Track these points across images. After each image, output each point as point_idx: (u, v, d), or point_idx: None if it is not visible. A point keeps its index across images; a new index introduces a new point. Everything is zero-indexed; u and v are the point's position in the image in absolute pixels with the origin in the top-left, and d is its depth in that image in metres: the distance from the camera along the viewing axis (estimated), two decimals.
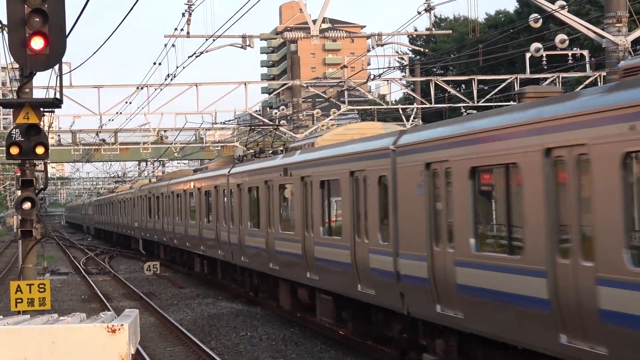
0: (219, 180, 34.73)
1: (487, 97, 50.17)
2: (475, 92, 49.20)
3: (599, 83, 45.81)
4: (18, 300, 19.42)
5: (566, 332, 12.50)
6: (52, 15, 17.24)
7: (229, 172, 33.03)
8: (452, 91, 50.80)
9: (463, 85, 73.71)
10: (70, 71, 40.17)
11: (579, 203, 12.25)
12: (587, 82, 47.51)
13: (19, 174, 20.25)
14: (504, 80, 49.62)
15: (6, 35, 17.79)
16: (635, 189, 11.17)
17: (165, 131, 68.70)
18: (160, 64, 35.02)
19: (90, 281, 44.16)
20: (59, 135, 68.32)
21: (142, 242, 60.64)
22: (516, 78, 48.79)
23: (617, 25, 21.30)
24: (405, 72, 67.24)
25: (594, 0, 57.36)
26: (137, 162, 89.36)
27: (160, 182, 52.12)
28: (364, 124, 27.31)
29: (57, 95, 19.24)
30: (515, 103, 16.60)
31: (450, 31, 56.31)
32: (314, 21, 32.60)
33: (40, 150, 18.86)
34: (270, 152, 32.33)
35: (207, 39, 32.31)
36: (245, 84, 47.21)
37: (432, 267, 16.46)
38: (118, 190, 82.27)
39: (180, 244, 44.10)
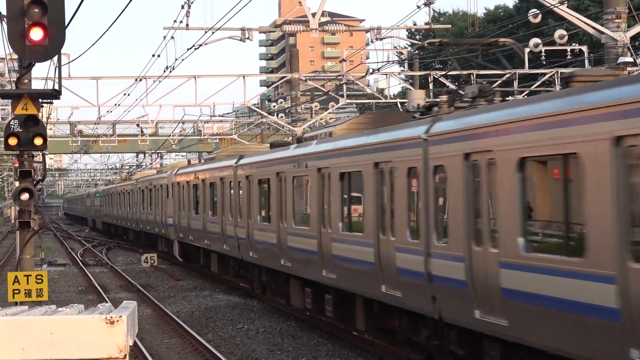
0: (391, 152, 18.29)
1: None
2: None
3: None
4: (15, 291, 19.45)
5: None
6: (51, 6, 17.25)
7: (427, 131, 16.69)
8: (451, 86, 50.77)
9: (462, 80, 73.66)
10: (69, 62, 40.16)
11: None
12: None
13: (17, 165, 20.25)
14: (502, 75, 49.62)
15: (5, 26, 17.80)
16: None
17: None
18: (159, 56, 35.01)
19: (88, 273, 44.16)
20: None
21: (178, 246, 44.97)
22: (515, 73, 48.79)
23: (616, 21, 21.32)
24: (404, 66, 67.28)
25: None
26: (135, 154, 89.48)
27: (217, 163, 35.50)
28: None
29: (56, 87, 19.25)
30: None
31: (450, 26, 56.46)
32: (313, 14, 32.60)
33: (38, 141, 18.87)
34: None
35: (206, 32, 32.30)
36: (244, 77, 47.22)
37: None
38: (138, 176, 65.89)
39: (264, 259, 28.17)
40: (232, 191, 32.20)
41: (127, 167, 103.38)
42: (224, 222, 33.29)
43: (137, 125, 68.24)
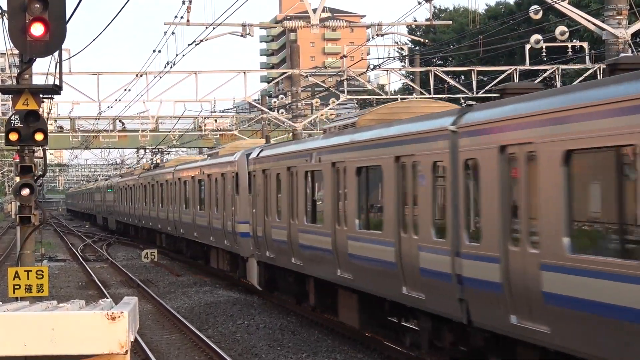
0: None
1: (487, 88, 50.17)
2: (474, 83, 49.20)
3: (599, 75, 45.82)
4: (16, 287, 19.46)
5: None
6: (52, 1, 17.24)
7: None
8: (452, 82, 50.78)
9: (462, 76, 73.74)
10: (69, 58, 40.10)
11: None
12: (586, 74, 47.54)
13: (17, 160, 20.25)
14: (503, 72, 49.60)
15: (6, 21, 17.80)
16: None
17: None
18: (159, 51, 34.94)
19: (88, 268, 44.17)
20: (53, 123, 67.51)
21: (259, 269, 29.30)
22: (515, 69, 48.78)
23: (617, 17, 21.30)
24: (404, 63, 67.28)
25: None
26: (136, 150, 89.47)
27: (381, 130, 19.54)
28: None
29: (57, 82, 19.25)
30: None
31: (450, 22, 56.54)
32: (314, 10, 32.57)
33: (39, 136, 18.86)
34: None
35: (207, 27, 32.30)
36: (244, 73, 47.19)
37: None
38: (174, 164, 50.24)
39: (582, 340, 12.39)
40: (447, 183, 16.13)
41: (137, 162, 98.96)
42: (406, 245, 17.75)
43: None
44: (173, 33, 33.43)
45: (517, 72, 48.65)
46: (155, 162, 65.71)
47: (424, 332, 17.95)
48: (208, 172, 36.99)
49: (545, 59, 46.65)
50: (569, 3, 23.30)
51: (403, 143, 17.89)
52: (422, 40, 56.78)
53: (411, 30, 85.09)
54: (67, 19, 17.49)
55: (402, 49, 76.30)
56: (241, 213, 31.07)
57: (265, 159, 28.00)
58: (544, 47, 42.96)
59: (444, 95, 52.93)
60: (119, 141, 74.21)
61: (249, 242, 29.62)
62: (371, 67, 43.56)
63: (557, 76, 48.20)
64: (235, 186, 31.76)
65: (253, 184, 29.02)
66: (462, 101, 47.22)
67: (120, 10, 22.27)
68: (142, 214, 57.65)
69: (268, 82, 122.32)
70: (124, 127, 70.00)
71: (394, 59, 57.27)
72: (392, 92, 60.99)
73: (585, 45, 48.67)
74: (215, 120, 68.99)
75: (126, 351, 7.86)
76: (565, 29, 36.50)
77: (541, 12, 33.61)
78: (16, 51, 20.42)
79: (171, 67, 37.47)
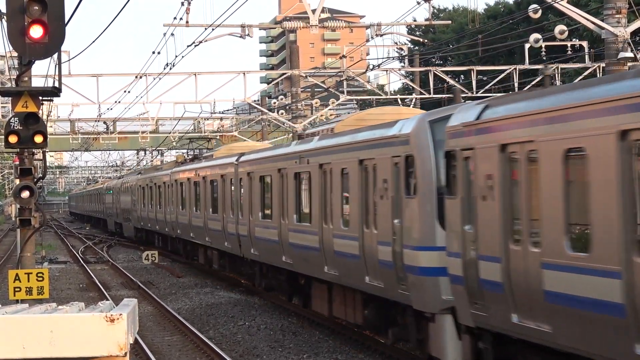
0: None
1: (486, 87, 50.17)
2: (474, 82, 49.19)
3: (599, 74, 45.81)
4: (16, 289, 19.44)
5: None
6: (51, 3, 17.26)
7: None
8: (451, 82, 50.77)
9: (462, 76, 73.72)
10: (69, 60, 40.09)
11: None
12: (586, 73, 47.54)
13: (17, 163, 20.25)
14: (503, 71, 49.61)
15: (5, 23, 17.81)
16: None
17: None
18: (159, 53, 34.96)
19: (89, 270, 44.15)
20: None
21: (476, 344, 15.04)
22: (515, 69, 48.78)
23: (616, 16, 21.30)
24: (404, 63, 67.29)
25: None
26: (136, 151, 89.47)
27: None
28: None
29: (56, 84, 19.24)
30: None
31: (450, 21, 56.60)
32: (313, 11, 32.59)
33: (38, 138, 18.85)
34: None
35: (206, 28, 32.32)
36: (244, 74, 47.19)
37: None
38: (229, 151, 37.24)
39: None
40: None
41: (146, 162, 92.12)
42: None
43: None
44: (172, 34, 33.48)
45: (517, 72, 48.65)
46: (193, 153, 52.24)
47: None
48: (321, 160, 22.69)
49: (544, 58, 46.62)
50: (568, 2, 23.30)
51: None
52: (421, 40, 56.85)
53: (410, 30, 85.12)
54: (66, 20, 17.50)
55: (402, 49, 76.28)
56: (419, 231, 17.30)
57: (506, 123, 13.58)
58: (543, 46, 42.95)
59: (443, 95, 52.97)
60: (119, 143, 74.25)
61: (440, 287, 16.67)
62: (371, 67, 43.56)
63: (557, 75, 48.18)
64: (405, 181, 17.81)
65: (461, 175, 15.20)
66: (462, 101, 47.18)
67: (120, 12, 22.27)
68: (177, 222, 44.26)
69: (268, 83, 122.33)
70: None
71: (394, 59, 57.30)
72: (392, 92, 60.99)
73: (584, 44, 48.67)
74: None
75: (125, 353, 7.86)
76: (565, 28, 36.45)
77: (540, 11, 33.58)
78: (15, 53, 20.42)
79: (171, 69, 37.51)
